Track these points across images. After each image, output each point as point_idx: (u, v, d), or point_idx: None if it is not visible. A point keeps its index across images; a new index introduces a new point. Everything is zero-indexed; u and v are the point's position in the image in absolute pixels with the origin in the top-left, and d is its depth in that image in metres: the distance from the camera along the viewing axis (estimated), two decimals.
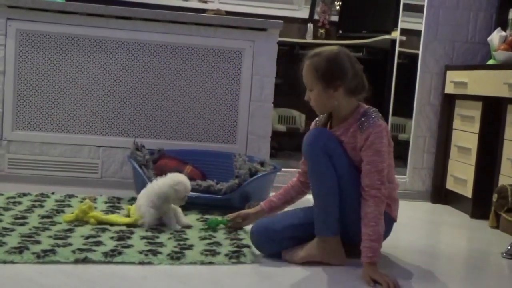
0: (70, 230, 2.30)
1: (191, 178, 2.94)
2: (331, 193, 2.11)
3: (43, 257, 1.96)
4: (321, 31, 5.27)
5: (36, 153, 3.22)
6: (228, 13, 3.70)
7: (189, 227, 2.48)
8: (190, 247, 2.19)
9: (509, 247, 2.48)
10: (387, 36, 4.30)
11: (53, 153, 3.23)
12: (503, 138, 2.99)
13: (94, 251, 2.05)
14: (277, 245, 2.17)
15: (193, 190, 2.74)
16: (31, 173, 3.21)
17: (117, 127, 3.27)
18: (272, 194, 3.03)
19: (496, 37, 3.30)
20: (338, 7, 5.29)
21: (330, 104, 2.15)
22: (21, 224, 2.33)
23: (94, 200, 2.83)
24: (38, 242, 2.10)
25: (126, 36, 3.22)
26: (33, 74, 3.19)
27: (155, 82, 3.27)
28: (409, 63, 3.80)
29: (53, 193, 2.92)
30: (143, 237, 2.28)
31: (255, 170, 2.95)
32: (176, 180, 2.47)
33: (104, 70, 3.23)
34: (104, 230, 2.34)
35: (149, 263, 2.01)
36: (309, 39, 5.20)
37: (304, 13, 5.29)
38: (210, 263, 2.06)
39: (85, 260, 1.97)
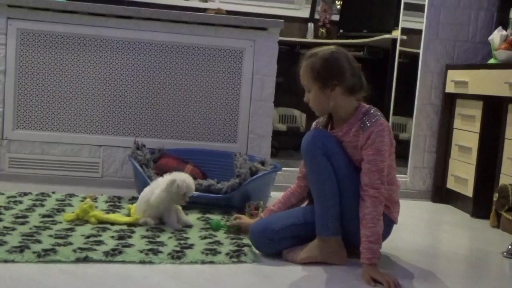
0: (71, 229, 2.30)
1: (192, 178, 2.95)
2: (330, 193, 2.11)
3: (44, 256, 1.96)
4: (322, 30, 5.27)
5: (37, 152, 3.22)
6: (229, 12, 3.70)
7: (190, 226, 2.48)
8: (190, 246, 2.19)
9: (509, 247, 2.47)
10: (387, 36, 4.30)
11: (53, 152, 3.23)
12: (503, 138, 2.98)
13: (95, 250, 2.05)
14: (277, 245, 2.17)
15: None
16: (32, 172, 3.22)
17: (118, 126, 3.27)
18: (272, 193, 3.05)
19: (497, 36, 3.30)
20: (338, 7, 5.29)
21: (328, 105, 2.14)
22: (22, 223, 2.33)
23: (94, 199, 2.83)
24: (39, 241, 2.10)
25: (127, 35, 3.22)
26: (34, 73, 3.19)
27: (156, 82, 3.27)
28: (410, 62, 3.79)
29: (53, 192, 2.93)
30: (143, 236, 2.28)
31: (256, 170, 2.95)
32: (178, 177, 2.46)
33: (105, 69, 3.23)
34: (104, 229, 2.34)
35: (150, 262, 2.01)
36: (309, 39, 5.20)
37: (305, 13, 5.29)
38: (211, 262, 2.06)
39: (86, 259, 1.97)
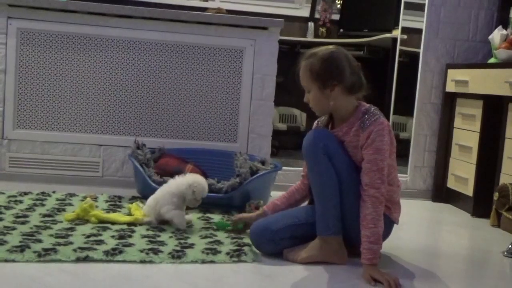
0: (71, 229, 2.30)
1: None
2: (332, 193, 2.11)
3: (44, 255, 1.96)
4: (322, 29, 5.26)
5: (37, 151, 3.22)
6: (229, 11, 3.70)
7: (189, 222, 2.48)
8: (191, 245, 2.19)
9: (510, 246, 2.47)
10: (388, 35, 4.30)
11: (54, 151, 3.23)
12: (504, 137, 2.98)
13: (95, 249, 2.05)
14: (277, 245, 2.17)
15: None
16: (32, 172, 3.22)
17: (118, 125, 3.27)
18: (273, 193, 3.05)
19: (497, 35, 3.30)
20: (339, 6, 5.29)
21: (327, 105, 2.14)
22: (22, 223, 2.33)
23: (95, 198, 2.83)
24: (39, 241, 2.10)
25: (127, 34, 3.22)
26: (34, 72, 3.19)
27: (156, 81, 3.27)
28: (410, 62, 3.79)
29: (54, 192, 2.93)
30: (144, 236, 2.28)
31: (256, 169, 2.95)
32: (195, 180, 2.46)
33: (105, 68, 3.23)
34: (105, 228, 2.34)
35: (150, 261, 2.01)
36: (310, 38, 5.19)
37: (305, 12, 5.28)
38: (211, 261, 2.06)
39: (86, 259, 1.97)
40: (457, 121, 3.43)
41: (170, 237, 2.30)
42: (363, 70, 2.17)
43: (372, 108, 2.14)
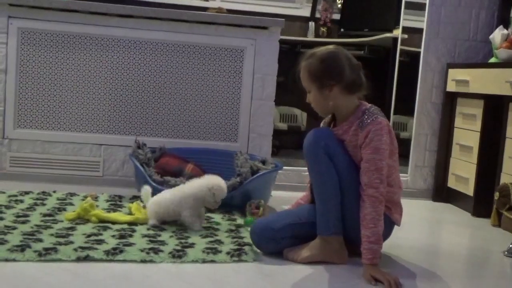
0: (72, 228, 2.30)
1: (192, 176, 2.95)
2: (332, 193, 2.11)
3: (45, 255, 1.96)
4: (323, 29, 5.26)
5: (38, 151, 3.22)
6: (230, 11, 3.70)
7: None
8: (191, 245, 2.19)
9: (510, 246, 2.47)
10: (388, 34, 4.30)
11: (54, 151, 3.23)
12: (505, 137, 2.98)
13: (96, 249, 2.05)
14: (277, 244, 2.17)
15: None
16: (33, 171, 3.22)
17: (119, 125, 3.27)
18: (273, 193, 3.05)
19: (498, 35, 3.30)
20: (339, 5, 5.28)
21: (327, 105, 2.14)
22: (23, 222, 2.33)
23: (95, 198, 2.83)
24: (40, 240, 2.10)
25: (128, 34, 3.22)
26: (35, 72, 3.19)
27: (157, 81, 3.28)
28: (411, 61, 3.79)
29: (54, 191, 2.93)
30: (144, 235, 2.28)
31: (257, 169, 2.95)
32: (215, 183, 2.45)
33: (106, 68, 3.23)
34: (105, 228, 2.34)
35: (151, 261, 2.01)
36: (310, 38, 5.19)
37: (305, 11, 5.28)
38: (212, 261, 2.06)
39: (87, 258, 1.98)
40: (458, 121, 3.43)
41: (171, 236, 2.30)
42: (364, 69, 2.17)
43: (372, 108, 2.14)
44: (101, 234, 2.25)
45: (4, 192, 2.82)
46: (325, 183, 2.11)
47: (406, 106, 3.77)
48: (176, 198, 2.45)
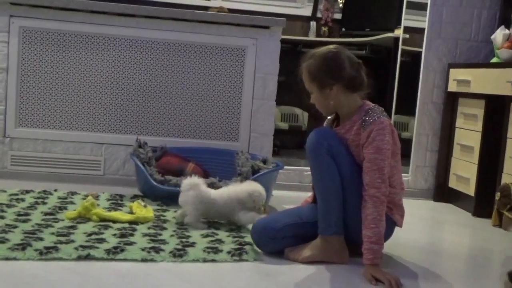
0: (73, 227, 2.30)
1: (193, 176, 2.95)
2: (334, 193, 2.10)
3: (46, 254, 1.96)
4: (324, 29, 5.26)
5: (39, 150, 3.22)
6: (231, 10, 3.70)
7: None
8: (192, 244, 2.19)
9: None
10: (390, 34, 4.29)
11: (56, 150, 3.24)
12: (506, 137, 2.98)
13: (97, 248, 2.05)
14: (278, 243, 2.17)
15: None
16: (34, 170, 3.22)
17: (120, 124, 3.27)
18: (274, 192, 3.05)
19: (499, 35, 3.30)
20: (341, 5, 5.28)
21: (329, 104, 2.14)
22: (24, 221, 2.34)
23: (96, 197, 2.84)
24: (41, 239, 2.10)
25: (129, 33, 3.22)
26: (36, 71, 3.19)
27: (158, 80, 3.28)
28: (412, 61, 3.79)
29: (55, 190, 2.93)
30: (145, 234, 2.28)
31: (258, 168, 2.95)
32: (255, 190, 2.47)
33: (107, 67, 3.23)
34: (106, 227, 2.34)
35: (152, 260, 2.01)
36: (312, 37, 5.19)
37: (307, 11, 5.28)
38: (212, 260, 2.06)
39: (88, 257, 1.98)
40: (459, 121, 3.42)
41: (172, 235, 2.30)
42: (365, 69, 2.17)
43: (375, 108, 2.13)
44: (102, 233, 2.25)
45: (5, 191, 2.82)
46: (327, 182, 2.11)
47: (407, 106, 3.77)
48: (223, 200, 2.47)
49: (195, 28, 3.27)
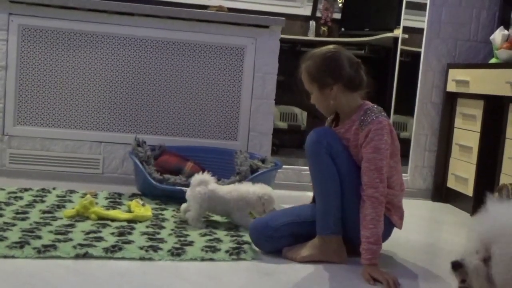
0: (71, 226, 2.30)
1: (192, 175, 2.95)
2: (333, 193, 2.10)
3: (44, 252, 1.96)
4: (324, 28, 5.26)
5: (38, 148, 3.22)
6: (230, 9, 3.70)
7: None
8: (190, 243, 2.19)
9: None
10: (389, 34, 4.30)
11: (54, 148, 3.23)
12: (504, 137, 2.98)
13: (95, 246, 2.05)
14: (276, 243, 2.17)
15: None
16: (33, 168, 3.22)
17: (119, 123, 3.27)
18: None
19: (498, 35, 3.30)
20: (340, 5, 5.28)
21: (329, 104, 2.14)
22: (22, 219, 2.33)
23: (95, 195, 2.83)
24: (39, 237, 2.10)
25: (128, 32, 3.22)
26: (35, 69, 3.19)
27: (157, 79, 3.27)
28: (411, 61, 3.79)
29: (54, 189, 2.93)
30: (143, 233, 2.28)
31: (256, 167, 2.95)
32: (265, 192, 2.47)
33: (106, 65, 3.23)
34: (104, 225, 2.34)
35: (150, 259, 2.01)
36: (311, 37, 5.19)
37: (306, 11, 5.28)
38: (211, 259, 2.07)
39: (86, 256, 1.98)
40: (458, 121, 3.43)
41: (170, 234, 2.30)
42: (364, 68, 2.17)
43: (375, 107, 2.13)
44: (100, 232, 2.25)
45: (3, 189, 2.82)
46: (326, 182, 2.11)
47: (406, 106, 3.77)
48: (232, 198, 2.46)
49: (194, 27, 3.27)
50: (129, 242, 2.14)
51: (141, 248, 2.08)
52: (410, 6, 3.85)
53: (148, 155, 3.03)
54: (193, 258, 2.05)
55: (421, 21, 3.61)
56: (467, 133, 3.30)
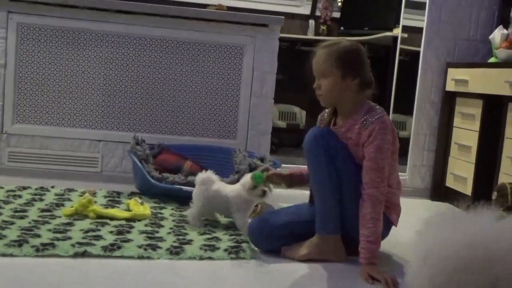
0: (70, 224, 2.30)
1: (191, 173, 2.96)
2: (331, 192, 2.10)
3: (43, 250, 1.96)
4: (323, 27, 5.26)
5: (36, 146, 3.22)
6: (230, 8, 3.69)
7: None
8: (189, 242, 2.19)
9: None
10: (388, 33, 4.30)
11: (53, 146, 3.23)
12: (503, 136, 2.98)
13: (94, 245, 2.05)
14: (275, 241, 2.17)
15: (193, 185, 2.74)
16: (31, 167, 3.21)
17: (118, 121, 3.27)
18: None
19: (497, 35, 3.30)
20: (340, 4, 5.28)
21: (340, 95, 2.11)
22: (21, 218, 2.33)
23: (93, 194, 2.83)
24: (38, 236, 2.10)
25: (127, 30, 3.22)
26: (34, 67, 3.19)
27: (156, 77, 3.27)
28: (411, 60, 3.79)
29: (53, 187, 2.93)
30: (142, 232, 2.28)
31: (255, 166, 2.95)
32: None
33: (105, 64, 3.23)
34: (103, 224, 2.34)
35: (148, 257, 2.01)
36: (310, 36, 5.19)
37: (306, 9, 5.28)
38: (209, 258, 2.07)
39: (84, 254, 1.98)
40: (457, 120, 3.43)
41: (169, 233, 2.30)
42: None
43: (377, 107, 2.13)
44: (99, 230, 2.25)
45: (2, 187, 2.82)
46: (324, 181, 2.11)
47: (405, 105, 3.78)
48: (233, 197, 2.43)
49: (193, 26, 3.26)
50: (127, 240, 2.14)
51: (140, 247, 2.08)
52: (410, 5, 3.86)
53: (147, 154, 3.03)
54: (191, 256, 2.06)
55: (421, 20, 3.62)
56: (466, 132, 3.30)
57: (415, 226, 2.90)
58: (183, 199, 2.70)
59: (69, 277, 1.79)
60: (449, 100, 3.50)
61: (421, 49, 3.58)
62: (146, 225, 2.38)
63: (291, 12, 5.15)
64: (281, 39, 3.36)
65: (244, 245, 2.20)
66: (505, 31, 3.29)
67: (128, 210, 2.55)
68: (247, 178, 2.37)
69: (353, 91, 2.11)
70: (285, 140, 4.77)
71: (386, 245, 2.28)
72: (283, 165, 3.28)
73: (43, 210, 2.48)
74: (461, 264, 1.31)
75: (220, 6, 3.59)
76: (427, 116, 3.60)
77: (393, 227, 2.24)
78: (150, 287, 1.78)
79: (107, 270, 1.88)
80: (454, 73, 3.43)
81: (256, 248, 2.20)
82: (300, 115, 5.11)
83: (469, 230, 1.36)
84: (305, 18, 5.27)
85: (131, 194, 2.89)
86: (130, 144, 3.10)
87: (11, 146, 3.20)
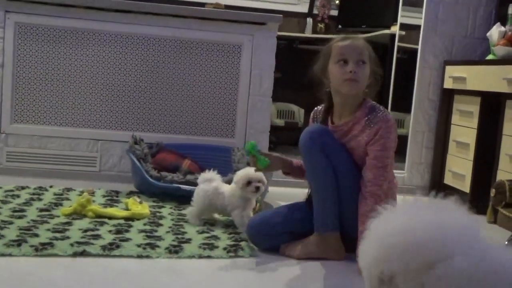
0: (68, 223, 2.30)
1: (189, 172, 2.96)
2: (329, 190, 2.10)
3: (41, 250, 1.96)
4: (321, 25, 5.25)
5: (35, 146, 3.22)
6: (227, 7, 3.69)
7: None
8: (188, 241, 2.20)
9: (506, 243, 2.48)
10: (386, 31, 4.30)
11: (51, 146, 3.23)
12: (501, 134, 2.99)
13: (92, 244, 2.05)
14: (273, 240, 2.18)
15: (191, 184, 2.75)
16: (30, 166, 3.21)
17: (116, 120, 3.27)
18: (270, 188, 3.05)
19: (495, 32, 3.30)
20: (337, 2, 5.28)
21: (365, 85, 2.13)
22: (19, 217, 2.33)
23: (92, 193, 2.83)
24: (36, 235, 2.10)
25: (125, 29, 3.22)
26: (32, 67, 3.19)
27: (154, 76, 3.27)
28: (408, 58, 3.79)
29: (51, 187, 2.93)
30: (141, 231, 2.28)
31: None
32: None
33: (103, 63, 3.23)
34: (102, 223, 2.34)
35: (147, 256, 2.01)
36: (308, 34, 5.18)
37: (303, 8, 5.27)
38: (208, 257, 2.07)
39: (83, 254, 1.98)
40: (455, 118, 3.43)
41: (167, 232, 2.30)
42: None
43: (377, 105, 2.14)
44: (97, 229, 2.25)
45: (0, 187, 2.82)
46: (321, 180, 2.11)
47: (403, 103, 3.78)
48: (230, 196, 2.43)
49: (191, 24, 3.26)
50: (126, 240, 2.14)
51: (139, 246, 2.08)
52: (407, 3, 3.86)
53: (146, 153, 3.03)
54: (190, 255, 2.06)
55: (418, 18, 3.62)
56: (464, 129, 3.31)
57: None
58: (182, 198, 2.70)
59: (68, 277, 1.79)
60: (447, 98, 3.50)
61: (419, 47, 3.58)
62: (145, 224, 2.38)
63: (289, 10, 5.14)
64: (279, 37, 3.36)
65: (243, 243, 2.20)
66: (502, 28, 3.30)
67: (127, 209, 2.55)
68: (239, 175, 2.37)
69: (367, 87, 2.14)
70: (283, 139, 4.77)
71: None
72: None
73: (41, 210, 2.48)
74: (403, 242, 1.34)
75: (217, 4, 3.59)
76: (426, 114, 3.60)
77: None
78: (149, 286, 1.78)
79: (106, 269, 1.88)
80: (452, 71, 3.43)
81: (255, 247, 2.20)
82: (299, 113, 5.11)
83: (424, 216, 1.39)
84: (303, 16, 5.26)
85: (130, 193, 2.90)
86: (128, 143, 3.10)
87: (9, 145, 3.20)
